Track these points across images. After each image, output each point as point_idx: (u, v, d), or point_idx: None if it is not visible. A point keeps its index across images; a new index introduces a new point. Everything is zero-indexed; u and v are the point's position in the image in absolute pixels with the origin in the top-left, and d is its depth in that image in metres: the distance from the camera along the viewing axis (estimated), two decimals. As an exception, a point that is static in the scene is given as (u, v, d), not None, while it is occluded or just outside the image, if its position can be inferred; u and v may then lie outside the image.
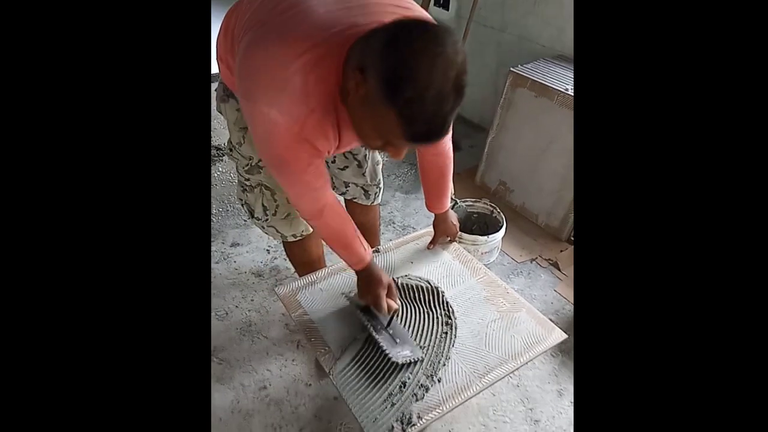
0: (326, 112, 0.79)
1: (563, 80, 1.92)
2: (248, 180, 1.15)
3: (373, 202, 1.44)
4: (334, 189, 1.41)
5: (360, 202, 1.43)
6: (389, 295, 1.09)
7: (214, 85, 1.09)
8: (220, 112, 1.12)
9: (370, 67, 0.68)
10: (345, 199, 1.47)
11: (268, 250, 1.94)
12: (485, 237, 1.75)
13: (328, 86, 0.76)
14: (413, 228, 2.08)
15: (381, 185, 1.43)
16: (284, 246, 1.34)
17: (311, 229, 1.27)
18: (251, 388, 1.45)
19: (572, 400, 1.45)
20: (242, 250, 1.92)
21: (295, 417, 1.38)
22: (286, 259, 1.90)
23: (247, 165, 1.13)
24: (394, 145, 0.75)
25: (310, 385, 1.46)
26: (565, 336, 1.15)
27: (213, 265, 1.83)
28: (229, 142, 1.15)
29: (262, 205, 1.18)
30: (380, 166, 1.39)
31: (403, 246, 1.38)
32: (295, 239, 1.27)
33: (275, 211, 1.19)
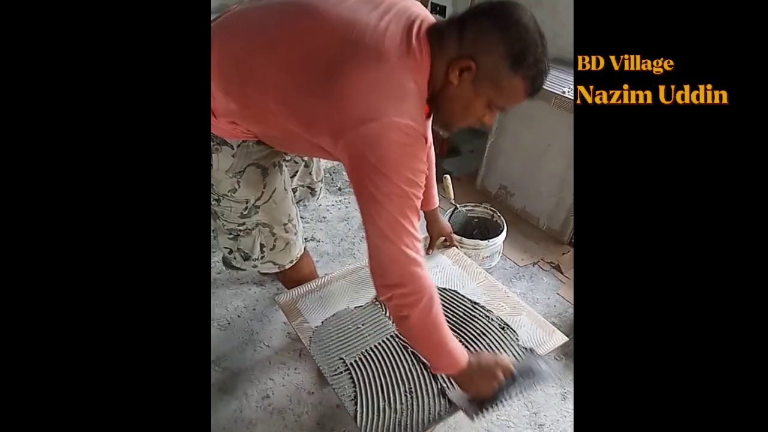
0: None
1: (559, 83, 1.92)
2: (243, 225, 1.09)
3: (318, 198, 1.48)
4: None
5: (306, 203, 1.49)
6: (499, 370, 0.92)
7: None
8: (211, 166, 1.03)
9: (484, 51, 0.78)
10: None
11: (269, 259, 1.94)
12: (486, 241, 1.75)
13: (424, 85, 0.83)
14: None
15: (323, 179, 1.46)
16: (278, 276, 1.26)
17: (303, 248, 1.22)
18: (254, 397, 1.45)
19: (577, 404, 1.45)
20: (244, 260, 1.93)
21: (298, 425, 1.38)
22: (287, 268, 1.91)
23: (245, 208, 1.06)
24: (497, 111, 0.87)
25: (312, 393, 1.46)
26: (566, 339, 1.15)
27: (216, 276, 1.84)
28: (217, 194, 1.06)
29: (260, 244, 1.13)
30: (322, 162, 1.42)
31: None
32: (291, 265, 1.21)
33: (273, 245, 1.14)
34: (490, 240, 1.76)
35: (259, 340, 1.62)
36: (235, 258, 1.18)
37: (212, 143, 0.98)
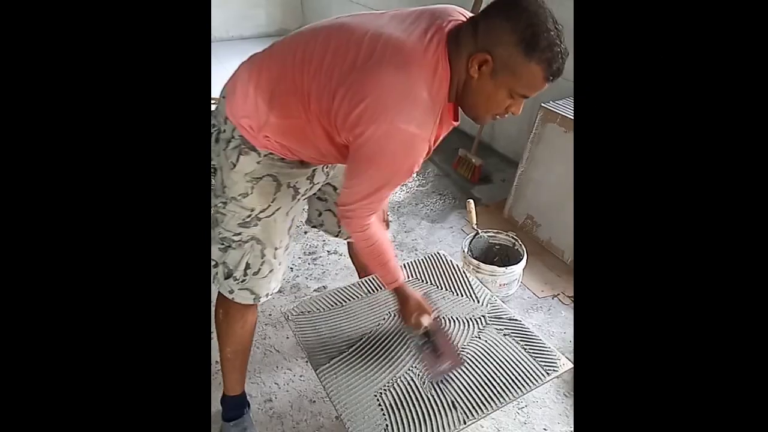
0: (439, 115, 0.93)
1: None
2: (239, 235, 1.09)
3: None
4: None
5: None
6: (422, 311, 1.13)
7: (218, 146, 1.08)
8: (232, 166, 1.05)
9: (498, 43, 0.84)
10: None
11: (291, 268, 1.99)
12: (504, 268, 1.73)
13: (443, 89, 0.91)
14: (435, 256, 2.08)
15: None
16: (229, 314, 1.20)
17: (276, 289, 1.21)
18: (258, 399, 1.47)
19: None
20: (267, 267, 1.98)
21: (295, 432, 1.39)
22: (308, 278, 1.95)
23: (248, 216, 1.07)
24: (521, 99, 0.91)
25: (314, 401, 1.47)
26: (570, 365, 1.12)
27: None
28: (226, 197, 1.08)
29: (246, 263, 1.11)
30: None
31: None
32: (266, 299, 1.19)
33: (258, 269, 1.12)
34: (509, 267, 1.74)
35: (270, 344, 1.66)
36: (216, 274, 1.14)
37: (242, 146, 1.03)
